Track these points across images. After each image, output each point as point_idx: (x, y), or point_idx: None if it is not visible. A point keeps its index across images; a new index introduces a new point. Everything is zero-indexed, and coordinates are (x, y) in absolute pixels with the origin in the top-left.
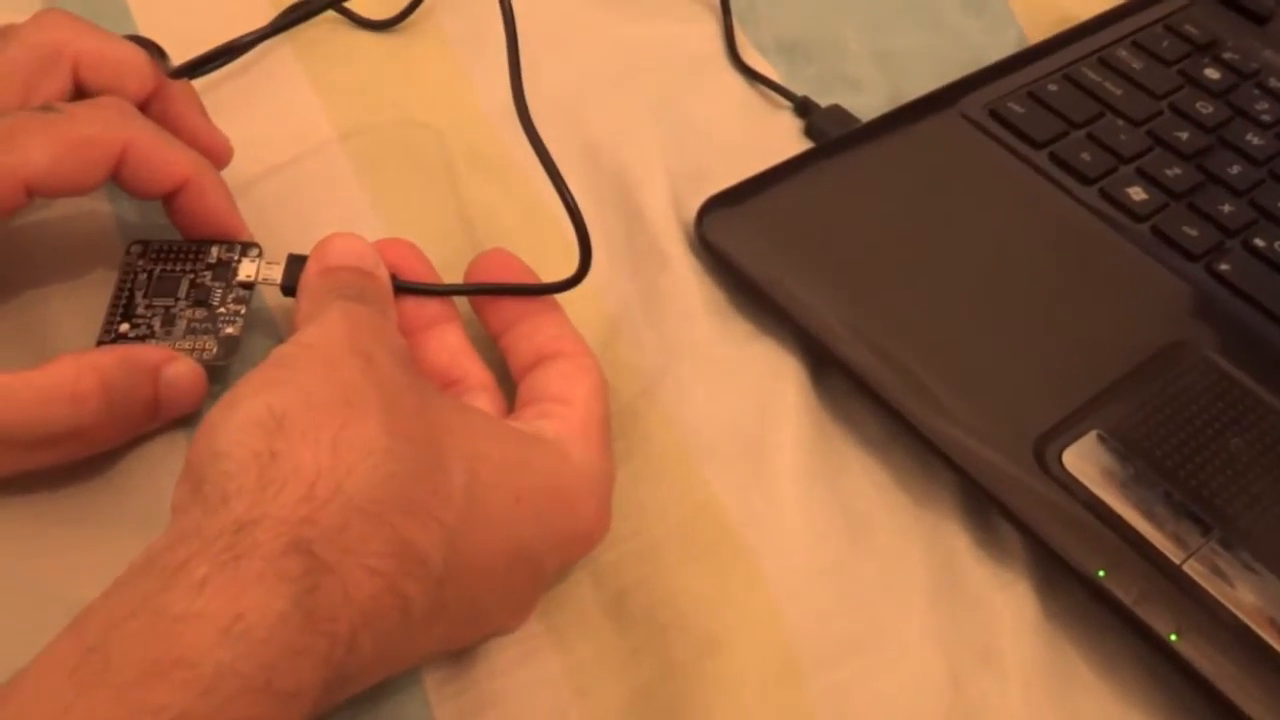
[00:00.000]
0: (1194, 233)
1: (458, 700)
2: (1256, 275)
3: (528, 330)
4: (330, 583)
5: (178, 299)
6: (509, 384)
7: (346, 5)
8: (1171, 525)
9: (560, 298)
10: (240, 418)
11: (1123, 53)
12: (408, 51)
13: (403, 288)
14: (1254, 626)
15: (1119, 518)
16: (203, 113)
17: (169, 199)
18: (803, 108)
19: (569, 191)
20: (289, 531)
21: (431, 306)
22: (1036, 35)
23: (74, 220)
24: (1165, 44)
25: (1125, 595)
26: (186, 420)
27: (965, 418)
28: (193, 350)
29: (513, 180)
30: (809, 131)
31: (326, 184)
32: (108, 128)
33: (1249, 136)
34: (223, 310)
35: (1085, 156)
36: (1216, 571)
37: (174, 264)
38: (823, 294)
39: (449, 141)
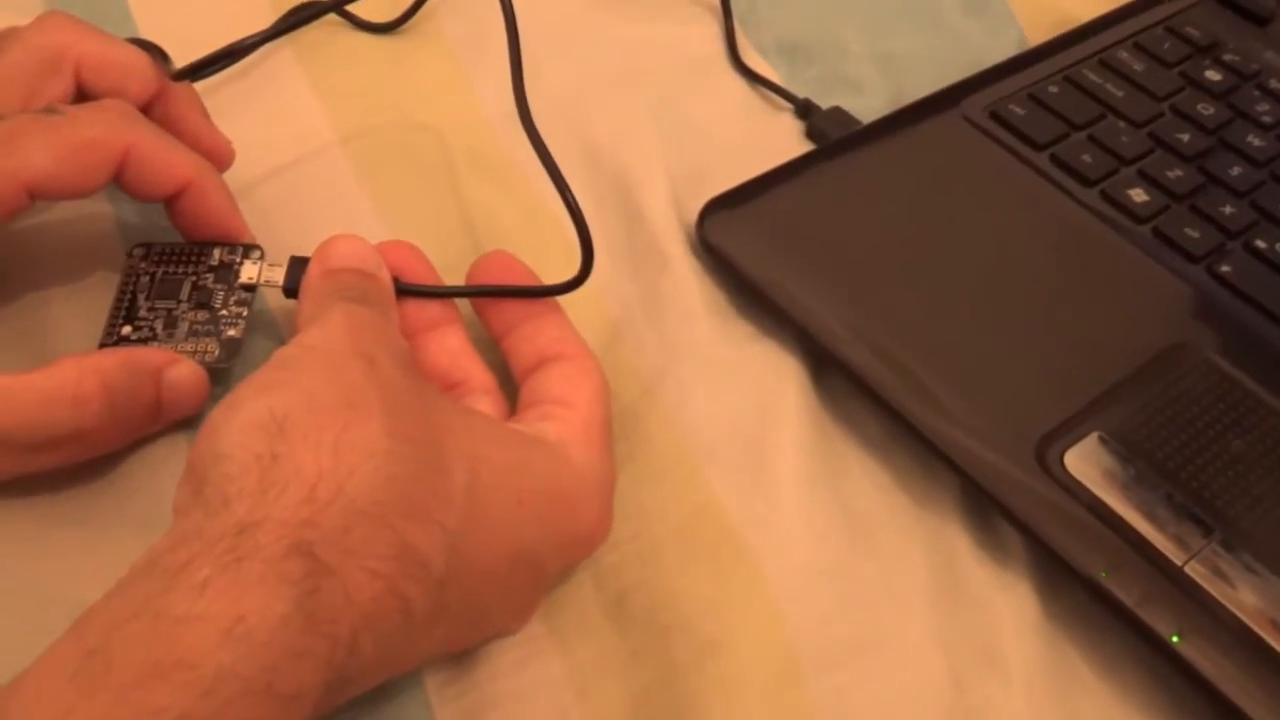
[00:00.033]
0: (1195, 234)
1: (459, 702)
2: (1257, 277)
3: (529, 332)
4: (331, 585)
5: (180, 301)
6: (511, 386)
7: (347, 8)
8: (1173, 527)
9: (561, 299)
10: (242, 420)
11: (1124, 54)
12: (408, 54)
13: (404, 290)
14: (1255, 628)
15: (1120, 519)
16: (204, 115)
17: (171, 201)
18: (804, 109)
19: (571, 193)
20: (290, 534)
21: (433, 308)
22: (1037, 37)
23: (76, 223)
24: (1166, 45)
25: (1127, 597)
26: (188, 422)
27: (966, 419)
28: (195, 352)
29: (514, 182)
30: (810, 133)
31: (328, 186)
32: (110, 130)
33: (1250, 138)
34: (225, 312)
35: (1086, 158)
36: (1218, 573)
37: (176, 266)
38: (824, 295)
39: (450, 143)
